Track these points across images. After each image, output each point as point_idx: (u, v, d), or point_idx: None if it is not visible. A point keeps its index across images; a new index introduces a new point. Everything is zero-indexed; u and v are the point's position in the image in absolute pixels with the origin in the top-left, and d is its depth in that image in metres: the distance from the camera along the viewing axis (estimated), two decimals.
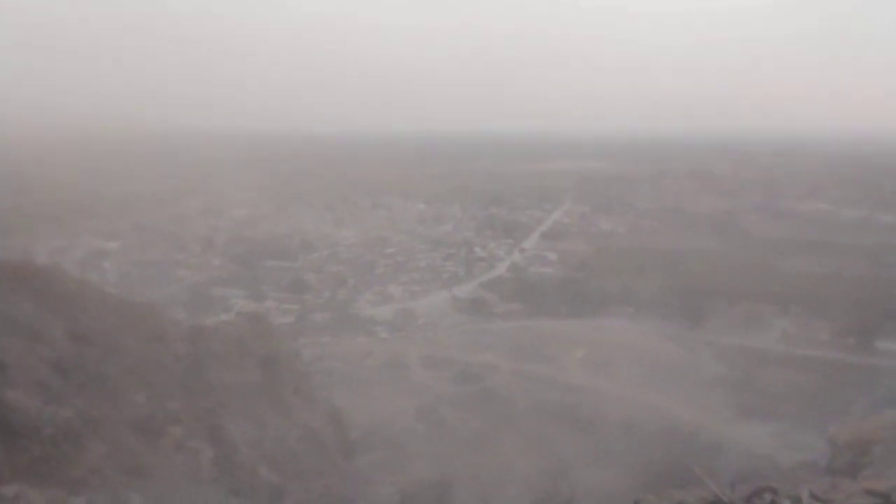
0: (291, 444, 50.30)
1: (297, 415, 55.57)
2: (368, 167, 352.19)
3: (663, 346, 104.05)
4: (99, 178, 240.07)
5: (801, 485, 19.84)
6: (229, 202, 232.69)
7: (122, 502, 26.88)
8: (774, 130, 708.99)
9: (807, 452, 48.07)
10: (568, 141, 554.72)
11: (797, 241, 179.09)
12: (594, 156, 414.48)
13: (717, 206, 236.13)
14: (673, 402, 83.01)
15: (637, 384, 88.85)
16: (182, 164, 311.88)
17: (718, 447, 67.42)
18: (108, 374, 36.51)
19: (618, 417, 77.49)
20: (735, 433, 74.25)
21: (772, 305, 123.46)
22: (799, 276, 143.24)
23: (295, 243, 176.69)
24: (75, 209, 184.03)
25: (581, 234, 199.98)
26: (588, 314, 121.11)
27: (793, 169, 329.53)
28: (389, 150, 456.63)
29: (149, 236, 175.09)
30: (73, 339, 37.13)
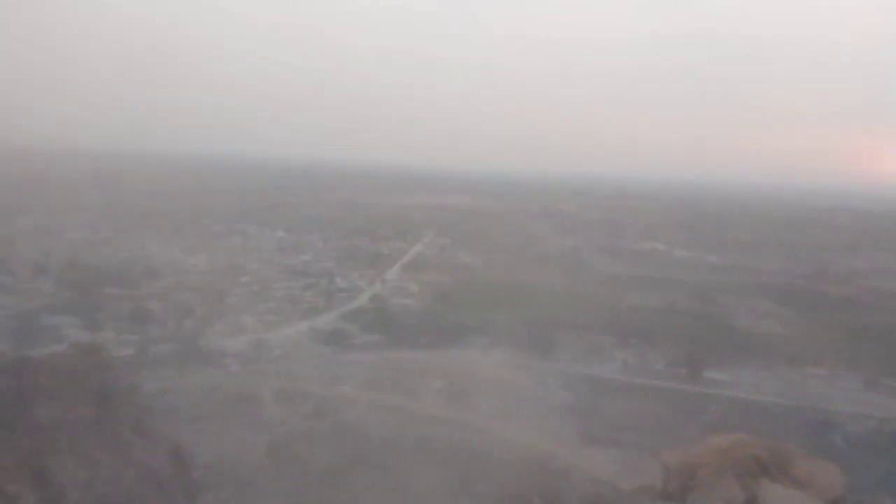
0: (127, 485, 46.51)
1: (134, 453, 51.50)
2: (225, 192, 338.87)
3: (515, 376, 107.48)
4: None
5: None
6: (65, 223, 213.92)
7: None
8: (617, 174, 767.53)
9: (645, 477, 51.22)
10: (428, 175, 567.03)
11: (635, 278, 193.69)
12: (454, 191, 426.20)
13: (565, 243, 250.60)
14: (525, 431, 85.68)
15: (492, 414, 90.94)
16: (11, 181, 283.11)
17: (566, 473, 70.52)
18: None
19: (472, 448, 78.71)
20: (581, 460, 77.94)
21: (613, 337, 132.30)
22: (637, 310, 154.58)
23: (138, 269, 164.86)
24: None
25: (441, 266, 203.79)
26: (446, 345, 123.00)
27: (632, 211, 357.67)
28: (247, 176, 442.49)
29: None
30: None
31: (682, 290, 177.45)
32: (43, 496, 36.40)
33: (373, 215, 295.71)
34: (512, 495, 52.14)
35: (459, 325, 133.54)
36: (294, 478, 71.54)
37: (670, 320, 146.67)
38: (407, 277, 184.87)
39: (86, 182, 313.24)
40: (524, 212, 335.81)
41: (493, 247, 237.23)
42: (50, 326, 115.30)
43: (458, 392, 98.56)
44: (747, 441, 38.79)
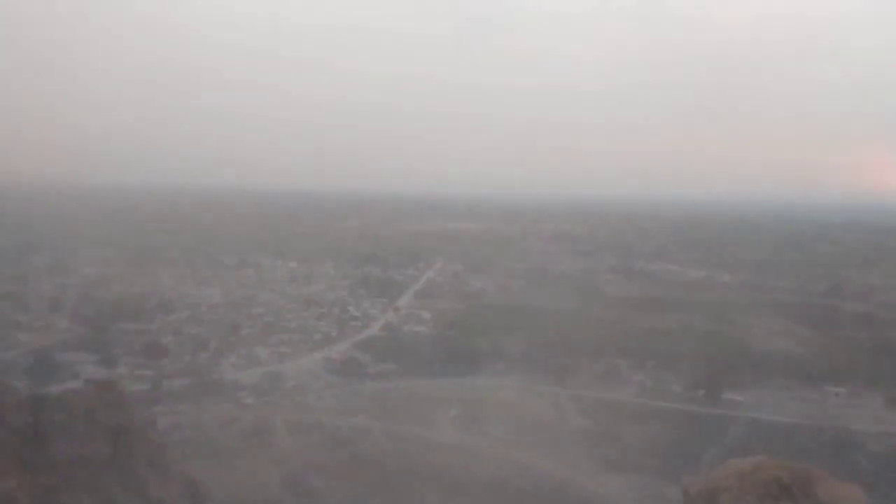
0: None
1: (150, 489, 51.35)
2: (236, 223, 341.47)
3: (531, 402, 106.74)
4: None
5: None
6: (79, 259, 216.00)
7: None
8: (625, 194, 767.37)
9: (665, 503, 50.45)
10: (438, 202, 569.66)
11: (648, 300, 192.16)
12: (464, 217, 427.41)
13: (576, 266, 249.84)
14: (541, 458, 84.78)
15: (507, 441, 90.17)
16: (27, 218, 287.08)
17: (584, 501, 69.44)
18: None
19: (488, 476, 77.97)
20: (599, 486, 76.89)
21: (629, 360, 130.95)
22: (651, 332, 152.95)
23: (152, 304, 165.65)
24: None
25: (453, 292, 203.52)
26: (460, 372, 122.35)
27: (642, 232, 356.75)
28: (259, 207, 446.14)
29: None
30: None
31: (697, 311, 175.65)
32: None
33: (384, 243, 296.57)
34: None
35: (473, 352, 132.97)
36: None
37: (686, 342, 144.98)
38: (419, 304, 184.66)
39: (97, 217, 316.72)
40: (534, 235, 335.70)
41: (504, 271, 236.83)
42: (65, 363, 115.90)
43: (474, 420, 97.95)
44: (768, 463, 38.09)
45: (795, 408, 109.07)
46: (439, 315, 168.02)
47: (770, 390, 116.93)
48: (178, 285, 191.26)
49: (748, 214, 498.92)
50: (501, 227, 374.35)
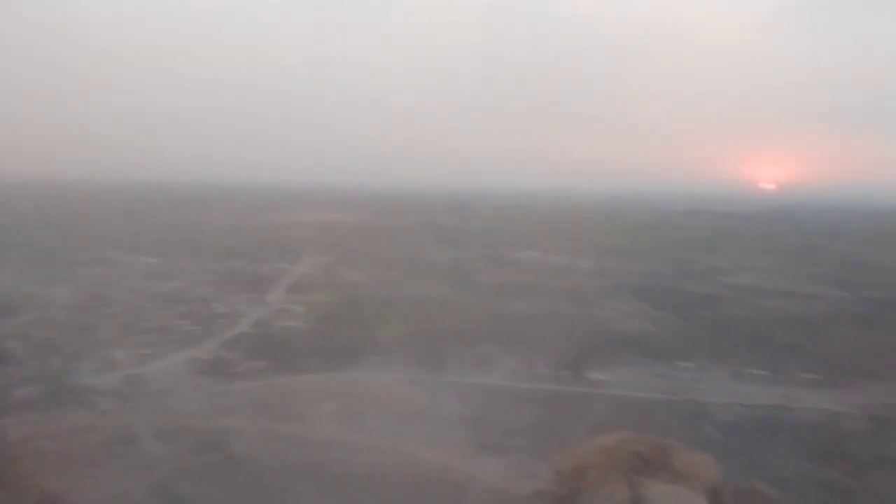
0: None
1: None
2: (86, 217, 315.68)
3: (407, 392, 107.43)
4: None
5: None
6: None
7: None
8: (491, 185, 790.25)
9: (538, 481, 52.58)
10: (306, 192, 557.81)
11: (518, 286, 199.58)
12: (334, 208, 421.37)
13: (448, 255, 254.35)
14: (420, 447, 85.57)
15: (385, 432, 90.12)
16: None
17: (462, 486, 71.06)
18: None
19: (367, 469, 77.61)
20: (476, 470, 78.83)
21: (500, 345, 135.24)
22: (519, 317, 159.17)
23: None
24: None
25: (326, 285, 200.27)
26: (336, 366, 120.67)
27: (510, 222, 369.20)
28: (112, 199, 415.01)
29: None
30: None
31: (561, 296, 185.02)
32: None
33: (250, 236, 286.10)
34: None
35: (348, 345, 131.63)
36: None
37: (551, 325, 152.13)
38: (290, 299, 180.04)
39: None
40: (407, 226, 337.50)
41: (378, 262, 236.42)
42: None
43: (351, 413, 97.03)
44: (630, 438, 40.71)
45: (652, 383, 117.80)
46: (312, 309, 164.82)
47: (628, 368, 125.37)
48: (21, 286, 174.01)
49: (603, 204, 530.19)
50: (373, 217, 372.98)
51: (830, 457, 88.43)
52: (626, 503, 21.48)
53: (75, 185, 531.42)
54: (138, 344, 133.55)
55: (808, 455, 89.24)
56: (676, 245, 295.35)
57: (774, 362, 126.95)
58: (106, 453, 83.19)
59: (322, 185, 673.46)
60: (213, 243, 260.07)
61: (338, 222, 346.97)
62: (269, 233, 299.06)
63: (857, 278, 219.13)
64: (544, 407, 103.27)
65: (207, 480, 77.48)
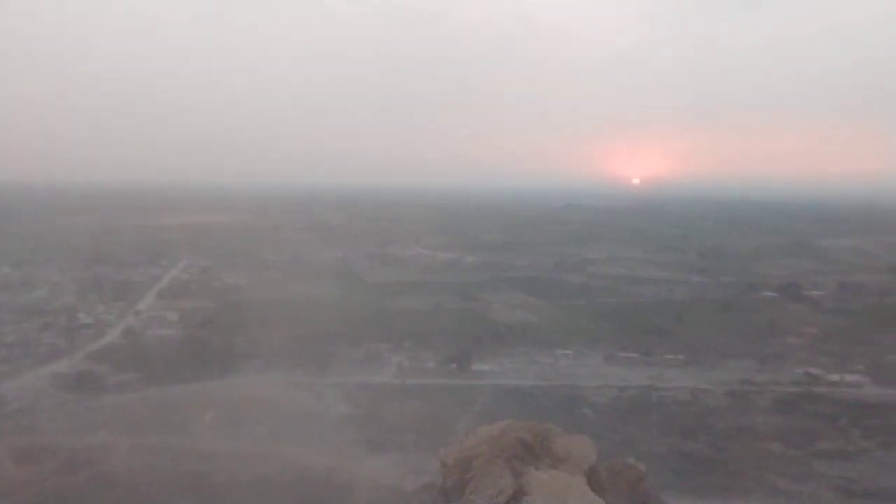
0: None
1: None
2: None
3: (293, 396, 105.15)
4: None
5: None
6: None
7: None
8: (373, 184, 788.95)
9: (426, 475, 53.18)
10: (181, 194, 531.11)
11: (404, 283, 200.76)
12: (211, 209, 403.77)
13: (333, 254, 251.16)
14: (306, 450, 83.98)
15: (270, 438, 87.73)
16: None
17: (350, 485, 70.50)
18: None
19: (251, 476, 75.26)
20: (364, 469, 78.46)
21: (387, 343, 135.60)
22: (407, 314, 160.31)
23: None
24: None
25: (203, 290, 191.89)
26: (215, 374, 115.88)
27: (395, 220, 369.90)
28: None
29: None
30: None
31: (447, 291, 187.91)
32: None
33: (119, 240, 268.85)
34: None
35: (228, 352, 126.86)
36: None
37: (438, 320, 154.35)
38: (164, 306, 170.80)
39: None
40: (289, 226, 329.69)
41: (259, 264, 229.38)
42: None
43: (233, 422, 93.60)
44: (513, 426, 41.96)
45: (533, 371, 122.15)
46: (188, 315, 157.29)
47: (511, 358, 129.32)
48: None
49: (485, 201, 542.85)
50: (254, 218, 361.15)
51: (693, 430, 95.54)
52: (509, 491, 22.18)
53: None
54: None
55: (674, 430, 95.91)
56: (554, 239, 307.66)
57: (643, 345, 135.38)
58: None
59: (202, 186, 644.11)
60: (80, 249, 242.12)
61: (217, 223, 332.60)
62: (142, 236, 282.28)
63: (716, 265, 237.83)
64: (431, 401, 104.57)
65: (77, 502, 72.28)
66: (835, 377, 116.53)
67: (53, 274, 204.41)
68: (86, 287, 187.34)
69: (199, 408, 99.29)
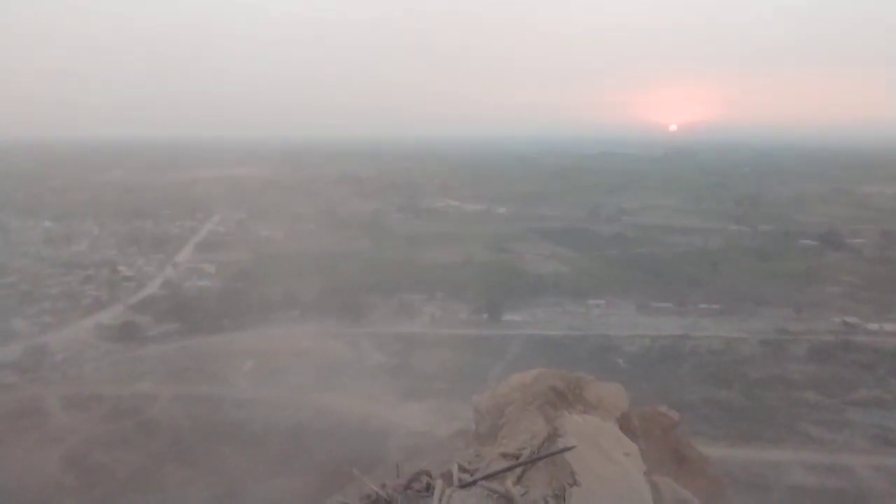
0: None
1: None
2: None
3: (328, 345, 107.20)
4: None
5: (453, 456, 22.14)
6: None
7: None
8: (405, 136, 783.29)
9: (459, 422, 54.09)
10: (212, 147, 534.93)
11: (434, 235, 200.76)
12: (243, 162, 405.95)
13: (365, 207, 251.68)
14: (341, 398, 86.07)
15: (307, 387, 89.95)
16: None
17: (384, 432, 72.21)
18: None
19: (289, 425, 77.61)
20: (398, 416, 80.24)
21: (420, 294, 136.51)
22: (439, 265, 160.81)
23: None
24: None
25: (238, 242, 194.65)
26: (252, 325, 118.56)
27: (426, 172, 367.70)
28: (2, 160, 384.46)
29: None
30: None
31: (478, 242, 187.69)
32: None
33: (155, 195, 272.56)
34: (331, 464, 52.36)
35: (264, 302, 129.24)
36: (97, 487, 65.66)
37: (470, 271, 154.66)
38: (201, 258, 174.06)
39: None
40: (321, 179, 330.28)
41: (293, 217, 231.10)
42: None
43: (270, 371, 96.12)
44: (545, 374, 42.13)
45: (565, 321, 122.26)
46: (225, 267, 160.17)
47: (543, 308, 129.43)
48: None
49: (514, 151, 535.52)
50: (286, 171, 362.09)
51: (727, 379, 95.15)
52: (543, 434, 22.42)
53: None
54: (40, 312, 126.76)
55: (708, 378, 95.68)
56: (587, 188, 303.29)
57: (677, 295, 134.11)
58: (13, 427, 79.47)
59: (230, 140, 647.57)
60: (117, 203, 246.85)
61: (250, 177, 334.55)
62: (176, 190, 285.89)
63: (753, 213, 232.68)
64: (463, 350, 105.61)
65: (124, 448, 75.50)
66: (873, 326, 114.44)
67: (93, 228, 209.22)
68: (125, 240, 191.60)
69: (236, 357, 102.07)
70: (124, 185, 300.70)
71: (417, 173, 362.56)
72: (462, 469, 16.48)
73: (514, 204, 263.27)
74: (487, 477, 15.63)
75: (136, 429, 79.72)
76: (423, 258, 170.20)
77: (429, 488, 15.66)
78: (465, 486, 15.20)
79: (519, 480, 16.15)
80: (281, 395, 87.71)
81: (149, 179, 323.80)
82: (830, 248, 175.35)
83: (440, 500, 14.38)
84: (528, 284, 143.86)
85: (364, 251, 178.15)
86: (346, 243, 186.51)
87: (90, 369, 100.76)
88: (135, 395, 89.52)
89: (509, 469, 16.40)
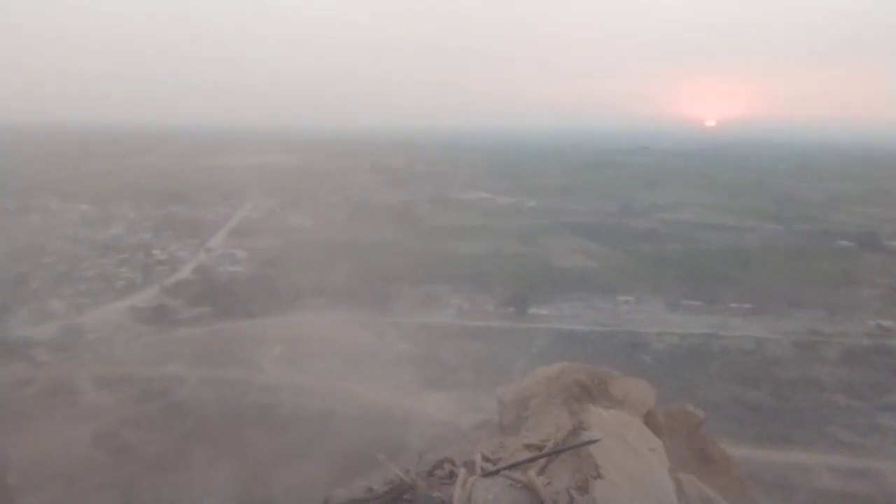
0: None
1: None
2: (15, 163, 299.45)
3: (355, 333, 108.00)
4: None
5: (476, 446, 22.30)
6: None
7: None
8: (431, 126, 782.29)
9: (483, 413, 54.14)
10: (244, 134, 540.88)
11: (464, 227, 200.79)
12: (275, 150, 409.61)
13: (395, 197, 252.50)
14: (367, 386, 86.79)
15: (333, 374, 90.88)
16: None
17: (408, 421, 72.64)
18: None
19: (315, 410, 78.49)
20: (422, 405, 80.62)
21: (447, 285, 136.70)
22: (467, 257, 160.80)
23: None
24: None
25: (270, 229, 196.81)
26: (282, 311, 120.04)
27: (456, 163, 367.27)
28: (40, 143, 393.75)
29: None
30: None
31: (507, 235, 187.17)
32: None
33: (189, 180, 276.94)
34: (355, 450, 52.84)
35: (294, 289, 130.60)
36: (125, 467, 67.16)
37: (497, 264, 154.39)
38: (233, 244, 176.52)
39: None
40: (353, 168, 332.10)
41: (323, 205, 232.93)
42: None
43: (298, 356, 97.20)
44: (570, 368, 42.00)
45: (592, 316, 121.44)
46: (256, 253, 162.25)
47: (570, 303, 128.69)
48: None
49: (548, 144, 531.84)
50: (317, 159, 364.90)
51: (756, 380, 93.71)
52: (568, 427, 22.40)
53: None
54: (76, 293, 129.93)
55: (736, 378, 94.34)
56: (620, 183, 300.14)
57: (708, 293, 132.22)
58: (46, 405, 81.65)
59: (262, 128, 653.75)
60: (152, 188, 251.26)
61: (282, 165, 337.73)
62: (210, 176, 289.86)
63: (789, 212, 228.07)
64: (488, 342, 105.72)
65: (153, 428, 77.11)
66: None
67: (128, 212, 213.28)
68: (160, 225, 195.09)
69: (265, 342, 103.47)
70: (159, 171, 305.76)
71: (447, 164, 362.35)
72: (485, 458, 16.55)
73: (546, 197, 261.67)
74: (511, 467, 15.67)
75: (165, 410, 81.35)
76: (452, 249, 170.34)
77: (451, 476, 15.77)
78: (487, 474, 15.26)
79: (542, 471, 16.16)
80: (308, 381, 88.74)
81: (184, 165, 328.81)
82: (868, 250, 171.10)
83: (463, 487, 14.46)
84: (556, 279, 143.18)
85: (393, 241, 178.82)
86: (375, 233, 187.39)
87: (122, 350, 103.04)
88: (165, 377, 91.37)
89: (533, 460, 16.41)
